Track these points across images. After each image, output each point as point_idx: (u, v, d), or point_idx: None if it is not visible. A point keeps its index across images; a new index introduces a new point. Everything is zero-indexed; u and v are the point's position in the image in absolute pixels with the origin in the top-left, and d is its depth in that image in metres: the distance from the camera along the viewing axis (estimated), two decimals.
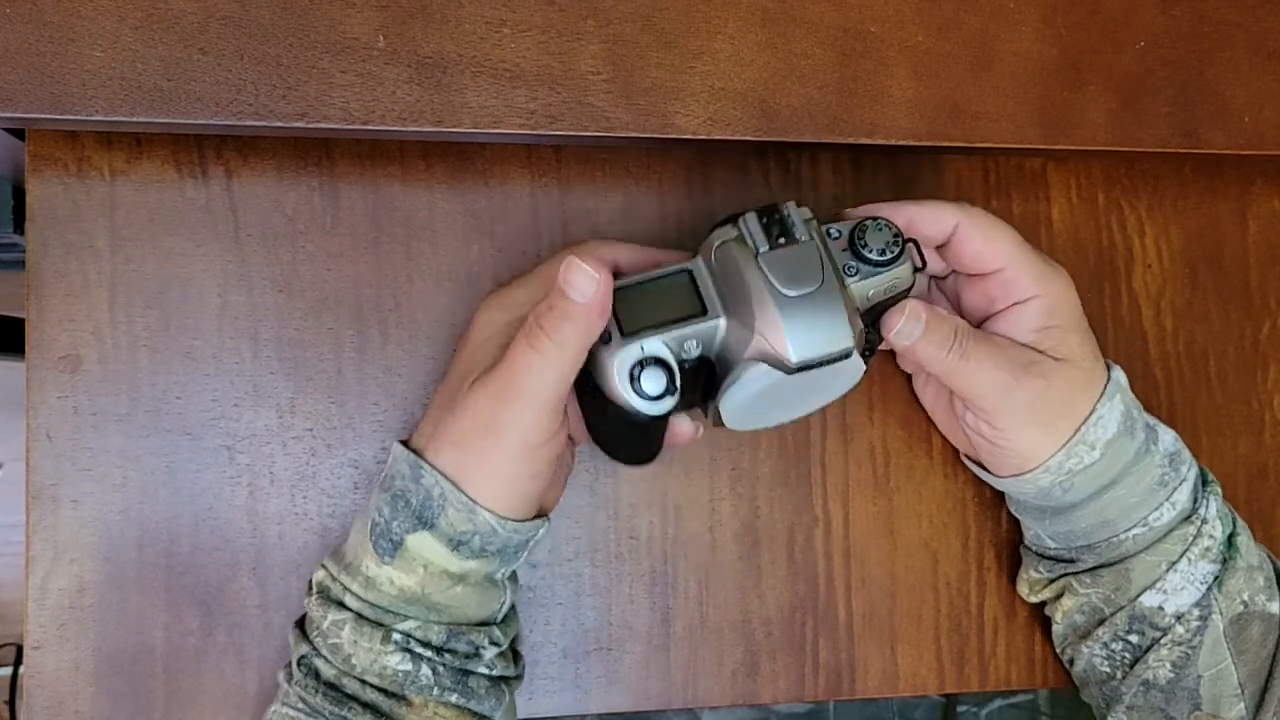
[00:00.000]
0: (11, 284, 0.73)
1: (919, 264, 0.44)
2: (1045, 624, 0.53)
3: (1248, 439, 0.55)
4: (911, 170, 0.53)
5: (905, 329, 0.43)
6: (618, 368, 0.39)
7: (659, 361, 0.39)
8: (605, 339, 0.39)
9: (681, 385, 0.40)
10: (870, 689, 0.52)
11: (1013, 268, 0.44)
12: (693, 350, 0.40)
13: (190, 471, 0.47)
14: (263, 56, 0.41)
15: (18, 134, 0.46)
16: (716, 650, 0.51)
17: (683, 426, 0.44)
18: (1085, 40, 0.47)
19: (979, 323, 0.47)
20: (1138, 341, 0.54)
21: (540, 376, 0.38)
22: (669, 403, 0.40)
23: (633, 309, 0.40)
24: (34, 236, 0.46)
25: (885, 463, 0.52)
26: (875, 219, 0.42)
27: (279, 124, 0.41)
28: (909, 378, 0.52)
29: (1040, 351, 0.44)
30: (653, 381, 0.39)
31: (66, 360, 0.46)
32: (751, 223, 0.40)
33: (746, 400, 0.41)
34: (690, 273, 0.41)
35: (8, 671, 1.32)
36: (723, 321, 0.40)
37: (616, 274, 0.41)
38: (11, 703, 1.29)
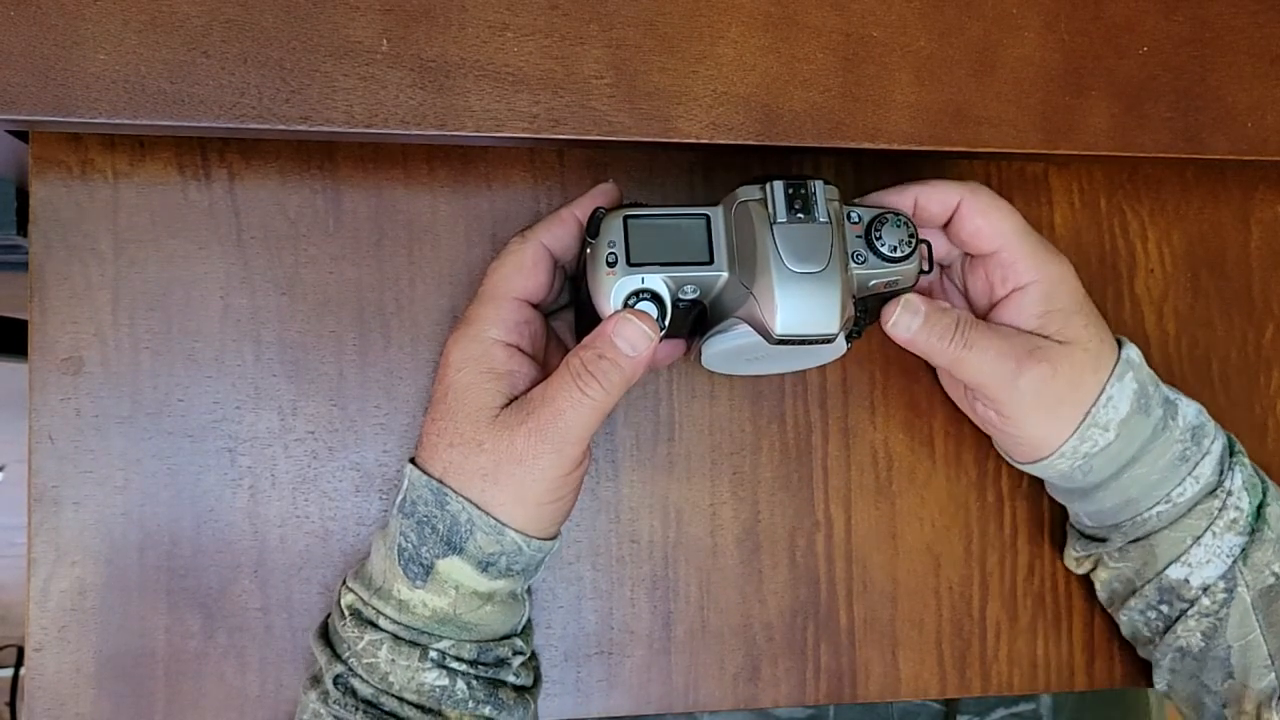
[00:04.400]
0: (14, 286, 0.73)
1: (926, 268, 0.44)
2: (1048, 628, 0.53)
3: (1250, 443, 0.55)
4: (913, 175, 0.52)
5: (901, 321, 0.44)
6: (615, 293, 0.41)
7: (654, 296, 0.41)
8: (611, 263, 0.41)
9: (671, 321, 0.41)
10: (872, 693, 0.52)
11: (1009, 250, 0.44)
12: (689, 293, 0.42)
13: (192, 474, 0.47)
14: (266, 60, 0.41)
15: (21, 136, 0.47)
16: (717, 654, 0.51)
17: (666, 348, 0.46)
18: (1088, 45, 0.47)
19: (985, 311, 0.47)
20: (1140, 346, 0.54)
21: (584, 416, 0.40)
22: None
23: (644, 241, 0.41)
24: (37, 238, 0.46)
25: (887, 467, 0.52)
26: (897, 214, 0.43)
27: (282, 127, 0.41)
28: (910, 382, 0.52)
29: (1045, 337, 0.44)
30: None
31: (69, 362, 0.46)
32: (778, 190, 0.41)
33: (726, 351, 0.43)
34: (708, 220, 0.42)
35: (9, 673, 1.32)
36: (725, 275, 0.41)
37: (633, 204, 0.43)
38: (12, 704, 1.29)
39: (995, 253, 0.45)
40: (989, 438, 0.52)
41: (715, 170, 0.51)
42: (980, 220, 0.45)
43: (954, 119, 0.46)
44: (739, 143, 0.44)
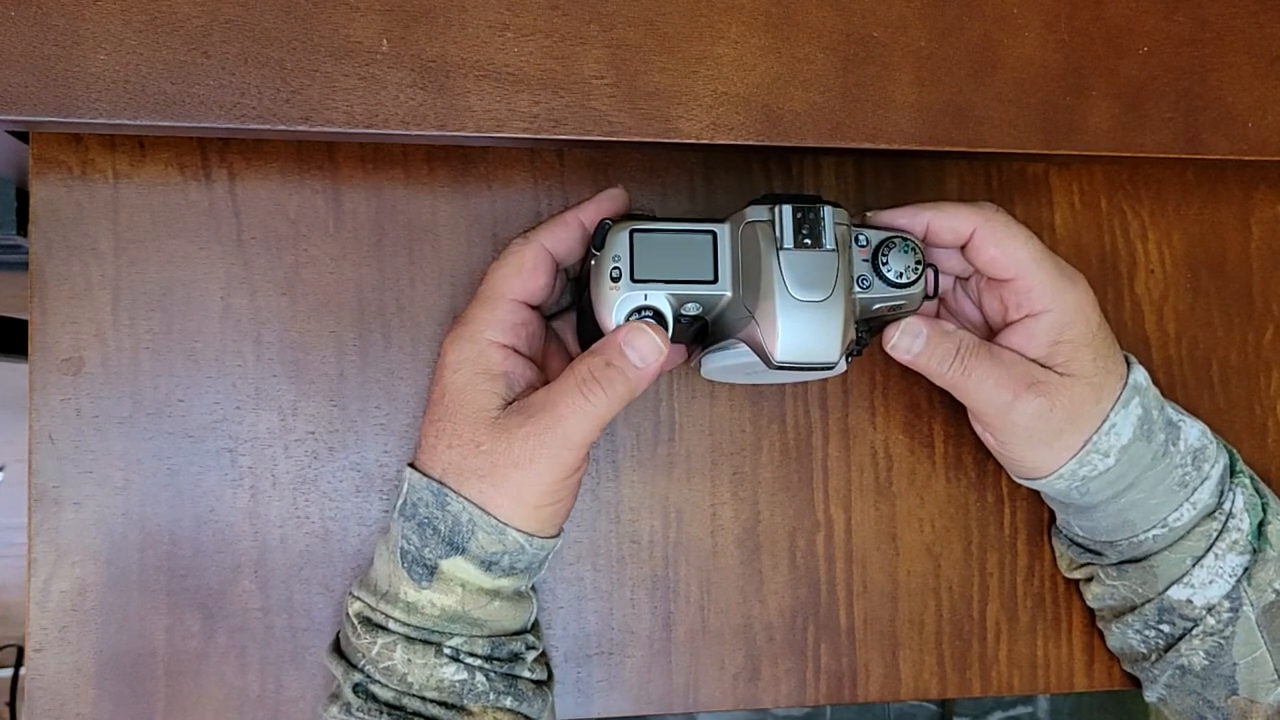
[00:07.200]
0: (14, 286, 0.73)
1: (930, 292, 0.44)
2: (1048, 629, 0.53)
3: (1250, 444, 0.55)
4: (914, 175, 0.53)
5: (901, 344, 0.44)
6: (617, 308, 0.41)
7: (657, 314, 0.41)
8: (615, 277, 0.40)
9: (672, 335, 0.41)
10: (872, 694, 0.52)
11: (1025, 278, 0.44)
12: (692, 309, 0.42)
13: (192, 474, 0.47)
14: (266, 60, 0.41)
15: (21, 136, 0.47)
16: (718, 654, 0.51)
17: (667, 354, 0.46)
18: (1088, 46, 0.47)
19: (998, 328, 0.46)
20: (1140, 347, 0.54)
21: (585, 423, 0.40)
22: None
23: (649, 257, 0.41)
24: (37, 238, 0.46)
25: (887, 467, 0.52)
26: (905, 238, 0.42)
27: (283, 127, 0.41)
28: (910, 383, 0.52)
29: (1049, 367, 0.44)
30: None
31: (69, 363, 0.46)
32: (786, 215, 0.40)
33: (725, 366, 0.44)
34: (715, 237, 0.41)
35: (9, 673, 1.32)
36: (728, 295, 0.41)
37: (639, 216, 0.42)
38: (12, 705, 1.29)
39: (1011, 280, 0.44)
40: None
41: (716, 170, 0.51)
42: (995, 251, 0.44)
43: (954, 119, 0.46)
44: (739, 143, 0.44)
